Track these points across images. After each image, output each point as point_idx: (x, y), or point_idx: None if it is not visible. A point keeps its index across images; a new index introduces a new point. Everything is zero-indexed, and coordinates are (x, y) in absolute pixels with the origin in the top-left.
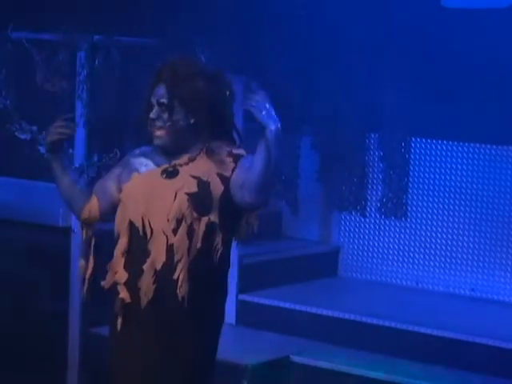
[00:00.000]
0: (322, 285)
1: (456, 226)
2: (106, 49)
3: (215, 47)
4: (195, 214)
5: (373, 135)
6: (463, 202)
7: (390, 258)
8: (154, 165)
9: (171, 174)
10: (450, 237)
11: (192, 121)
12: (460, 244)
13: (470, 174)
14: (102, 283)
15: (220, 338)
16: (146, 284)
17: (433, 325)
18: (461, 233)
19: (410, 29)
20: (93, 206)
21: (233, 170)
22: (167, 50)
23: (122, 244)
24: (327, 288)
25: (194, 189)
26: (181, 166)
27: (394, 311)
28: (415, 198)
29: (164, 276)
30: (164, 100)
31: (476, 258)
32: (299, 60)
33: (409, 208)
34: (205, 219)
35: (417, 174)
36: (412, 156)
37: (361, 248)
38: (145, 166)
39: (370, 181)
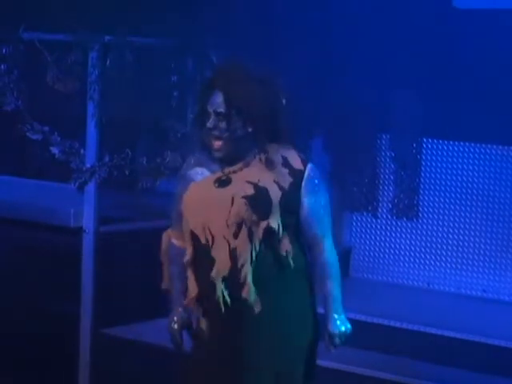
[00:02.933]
0: None
1: (467, 226)
2: (118, 49)
3: (227, 48)
4: (254, 217)
5: (384, 136)
6: (475, 203)
7: (402, 258)
8: (210, 172)
9: (224, 182)
10: (462, 238)
11: (250, 129)
12: (471, 245)
13: (481, 174)
14: (162, 285)
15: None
16: (220, 292)
17: (444, 326)
18: (472, 234)
19: (421, 29)
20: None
21: (291, 184)
22: (179, 50)
23: (188, 254)
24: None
25: (250, 192)
26: (235, 172)
27: (405, 312)
28: (426, 198)
29: (233, 281)
30: (221, 109)
31: (488, 259)
32: (311, 61)
33: (420, 209)
34: (264, 223)
35: (428, 175)
36: (423, 157)
37: (372, 249)
38: (200, 175)
39: (381, 182)
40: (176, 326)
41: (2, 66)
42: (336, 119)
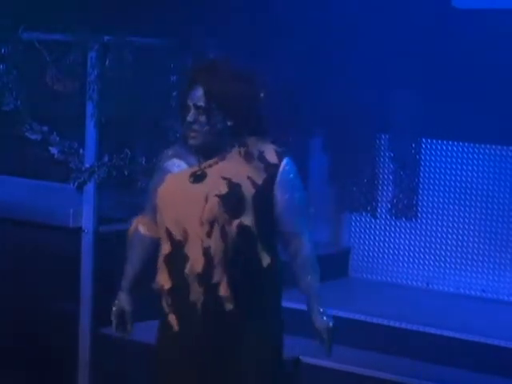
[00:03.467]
0: (332, 286)
1: (467, 227)
2: (117, 49)
3: (226, 48)
4: (226, 216)
5: (383, 136)
6: (474, 203)
7: (401, 259)
8: (187, 165)
9: (199, 177)
10: (461, 238)
11: (229, 123)
12: (471, 245)
13: (480, 175)
14: (153, 285)
15: (282, 337)
16: (195, 290)
17: (443, 326)
18: (471, 234)
19: (420, 29)
20: (150, 227)
21: (264, 180)
22: (178, 50)
23: (164, 250)
24: (337, 289)
25: (224, 190)
26: (210, 166)
27: (404, 312)
28: (426, 199)
29: (207, 280)
30: (201, 103)
31: (487, 259)
32: (310, 61)
33: (419, 209)
34: (236, 221)
35: (427, 175)
36: (423, 157)
37: (371, 249)
38: (177, 167)
39: (380, 182)
40: (114, 309)
41: (1, 66)
42: (335, 119)
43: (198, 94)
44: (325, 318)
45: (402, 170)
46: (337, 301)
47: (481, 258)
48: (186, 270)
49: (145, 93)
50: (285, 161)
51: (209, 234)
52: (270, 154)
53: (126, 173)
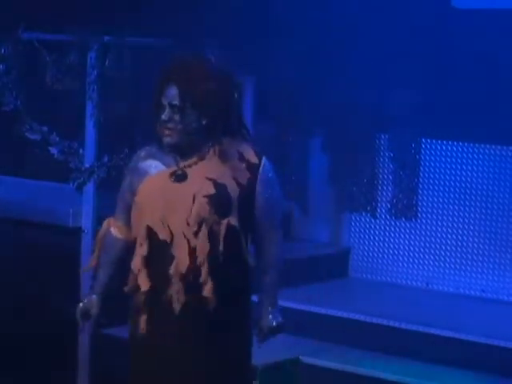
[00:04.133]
0: (332, 286)
1: (466, 227)
2: (117, 49)
3: (225, 48)
4: (215, 217)
5: (383, 136)
6: (473, 203)
7: (401, 259)
8: (164, 165)
9: (180, 177)
10: (461, 238)
11: (204, 122)
12: (470, 245)
13: (480, 175)
14: (125, 288)
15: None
16: (177, 290)
17: (443, 326)
18: (471, 234)
19: (420, 29)
20: (122, 229)
21: (249, 179)
22: (178, 50)
23: (142, 250)
24: (337, 289)
25: (211, 191)
26: (190, 166)
27: (404, 312)
28: (425, 199)
29: (190, 280)
30: (176, 102)
31: (486, 259)
32: (309, 61)
33: (419, 209)
34: (225, 221)
35: (427, 175)
36: (422, 157)
37: (371, 249)
38: (154, 168)
39: (380, 182)
40: (80, 308)
41: (1, 66)
42: (335, 119)
43: (173, 93)
44: (270, 317)
45: (401, 170)
46: (337, 301)
47: (480, 258)
48: (171, 270)
49: (144, 93)
50: (264, 159)
51: (196, 234)
52: (250, 154)
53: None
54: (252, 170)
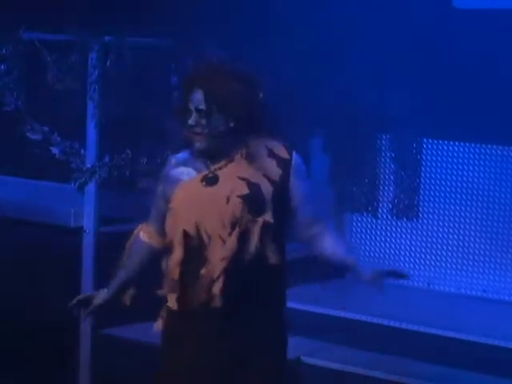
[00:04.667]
0: (332, 285)
1: (468, 227)
2: (118, 49)
3: (225, 48)
4: (250, 216)
5: (384, 136)
6: (475, 203)
7: (402, 259)
8: (196, 171)
9: (211, 180)
10: (462, 238)
11: (231, 124)
12: (472, 245)
13: (481, 175)
14: (160, 292)
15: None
16: (208, 292)
17: (444, 326)
18: (472, 234)
19: (421, 29)
20: (152, 235)
21: (281, 176)
22: (179, 50)
23: (177, 254)
24: (338, 289)
25: (245, 191)
26: (220, 169)
27: (405, 312)
28: (427, 199)
29: (227, 280)
30: (202, 106)
31: (488, 259)
32: (310, 61)
33: (420, 209)
34: (260, 220)
35: (428, 175)
36: (424, 157)
37: (372, 249)
38: (187, 175)
39: (381, 182)
40: (84, 295)
41: (2, 66)
42: (336, 119)
43: (199, 97)
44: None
45: (402, 170)
46: (337, 301)
47: (482, 259)
48: (203, 273)
49: (145, 93)
50: (294, 153)
51: (231, 235)
52: (279, 150)
53: (127, 173)
54: (283, 166)
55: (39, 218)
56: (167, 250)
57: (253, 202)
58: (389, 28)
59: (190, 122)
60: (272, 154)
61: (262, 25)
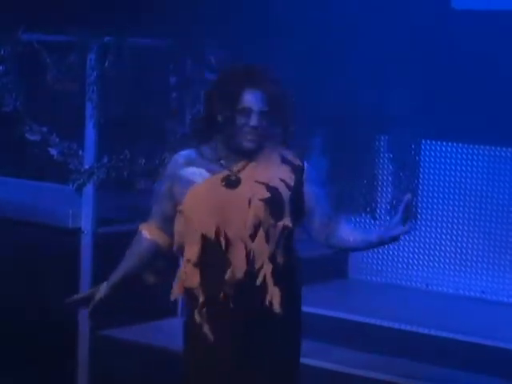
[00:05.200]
0: (331, 287)
1: (466, 228)
2: (117, 50)
3: (226, 49)
4: (271, 219)
5: (382, 137)
6: (473, 204)
7: (400, 260)
8: (209, 173)
9: (233, 182)
10: (460, 239)
11: (282, 127)
12: (470, 246)
13: (480, 176)
14: (171, 296)
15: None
16: (233, 294)
17: (442, 327)
18: (471, 235)
19: (420, 30)
20: (163, 239)
21: (295, 182)
22: (177, 51)
23: (194, 255)
24: (337, 290)
25: (266, 194)
26: (239, 171)
27: (403, 313)
28: (425, 200)
29: (248, 283)
30: (265, 107)
31: (486, 260)
32: (309, 62)
33: (419, 210)
34: (280, 224)
35: (427, 176)
36: (422, 158)
37: (371, 250)
38: (199, 176)
39: (379, 183)
40: (87, 292)
41: (1, 67)
42: (335, 120)
43: (258, 99)
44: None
45: (401, 171)
46: (336, 302)
47: (480, 260)
48: (228, 275)
49: (144, 94)
50: (305, 162)
51: (253, 238)
52: (291, 157)
53: (125, 174)
54: (297, 172)
55: (38, 218)
56: (177, 251)
57: (273, 205)
58: (388, 29)
59: (252, 123)
60: (285, 160)
61: (262, 25)
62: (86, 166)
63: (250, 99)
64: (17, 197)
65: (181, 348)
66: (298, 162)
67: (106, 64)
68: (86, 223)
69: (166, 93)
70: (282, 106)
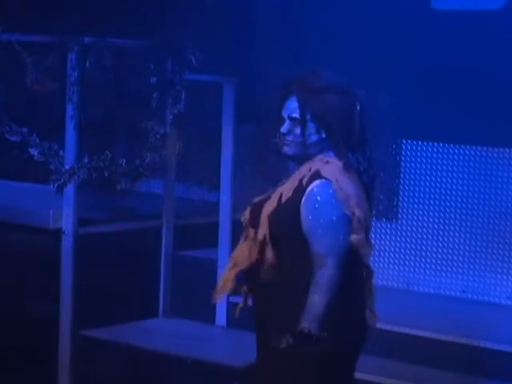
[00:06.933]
0: None
1: (447, 228)
2: (97, 51)
3: (206, 49)
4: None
5: None
6: (454, 204)
7: (381, 260)
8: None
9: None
10: (441, 239)
11: (324, 135)
12: (451, 246)
13: (461, 175)
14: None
15: None
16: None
17: (423, 327)
18: (452, 235)
19: (400, 31)
20: None
21: (288, 199)
22: (158, 51)
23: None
24: None
25: (269, 205)
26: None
27: (384, 313)
28: (406, 200)
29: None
30: (296, 115)
31: (467, 259)
32: (291, 62)
33: (400, 210)
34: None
35: (408, 176)
36: (403, 158)
37: None
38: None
39: None
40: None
41: None
42: None
43: (293, 106)
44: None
45: (382, 171)
46: None
47: (461, 259)
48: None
49: (125, 94)
50: (317, 182)
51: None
52: (309, 176)
53: (106, 174)
54: (297, 192)
55: (18, 219)
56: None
57: (255, 214)
58: (367, 29)
59: (283, 129)
60: (301, 177)
61: (243, 26)
62: (67, 167)
63: (286, 107)
64: None
65: (161, 348)
66: (307, 182)
67: (87, 64)
68: (66, 224)
69: (147, 93)
70: (320, 112)
